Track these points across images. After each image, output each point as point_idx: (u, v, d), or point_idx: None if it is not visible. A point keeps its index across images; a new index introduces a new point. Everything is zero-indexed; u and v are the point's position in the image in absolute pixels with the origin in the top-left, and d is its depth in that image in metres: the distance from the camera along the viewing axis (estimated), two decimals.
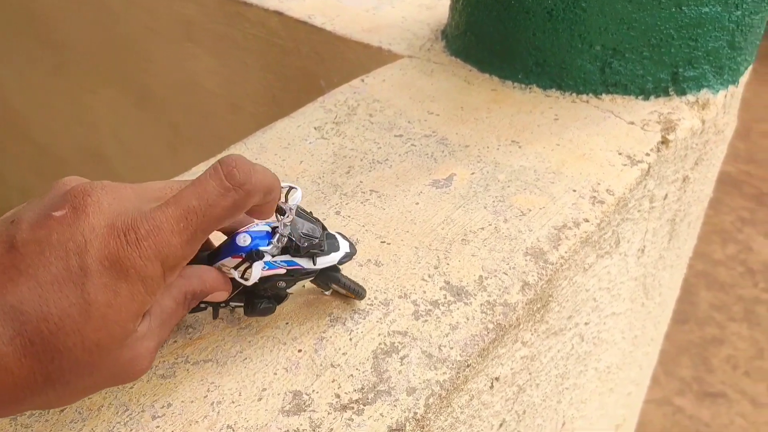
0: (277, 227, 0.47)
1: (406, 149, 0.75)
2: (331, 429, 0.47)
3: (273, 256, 0.47)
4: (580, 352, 0.80)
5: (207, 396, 0.49)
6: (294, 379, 0.50)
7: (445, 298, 0.57)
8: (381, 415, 0.48)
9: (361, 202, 0.67)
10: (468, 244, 0.62)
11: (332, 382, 0.50)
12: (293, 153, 0.75)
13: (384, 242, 0.62)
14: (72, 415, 0.47)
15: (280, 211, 0.47)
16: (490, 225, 0.64)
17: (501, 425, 0.65)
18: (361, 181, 0.70)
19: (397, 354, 0.52)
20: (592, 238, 0.67)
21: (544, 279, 0.60)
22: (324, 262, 0.50)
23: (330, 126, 0.79)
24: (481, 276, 0.59)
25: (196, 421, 0.47)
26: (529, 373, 0.67)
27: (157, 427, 0.47)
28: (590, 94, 0.84)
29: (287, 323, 0.54)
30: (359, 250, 0.60)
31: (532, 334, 0.63)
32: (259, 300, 0.49)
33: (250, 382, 0.50)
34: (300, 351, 0.52)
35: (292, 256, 0.48)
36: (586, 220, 0.66)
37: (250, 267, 0.46)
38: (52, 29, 1.56)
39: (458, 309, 0.56)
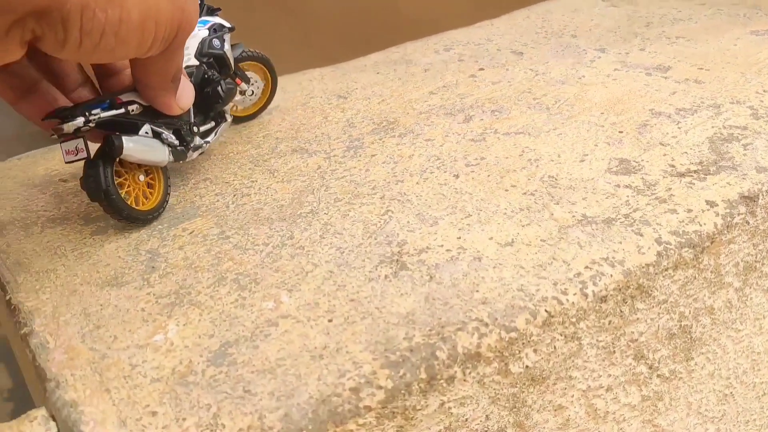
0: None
1: (711, 12, 0.68)
2: (670, 188, 0.41)
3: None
4: None
5: (522, 155, 0.45)
6: (618, 150, 0.45)
7: None
8: (728, 183, 0.41)
9: (668, 44, 0.61)
10: None
11: (663, 155, 0.44)
12: (582, 15, 0.71)
13: (702, 69, 0.55)
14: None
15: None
16: None
17: None
18: (663, 31, 0.64)
19: (737, 142, 0.45)
20: None
21: None
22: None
23: None
24: None
25: (514, 170, 0.43)
26: None
27: (471, 171, 0.44)
28: None
29: (602, 113, 0.49)
30: (673, 75, 0.54)
31: None
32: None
33: (569, 149, 0.45)
34: (621, 132, 0.47)
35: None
36: None
37: None
38: None
39: None
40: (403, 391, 0.30)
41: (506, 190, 0.42)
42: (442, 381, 0.31)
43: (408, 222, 0.39)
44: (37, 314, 0.35)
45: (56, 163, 0.51)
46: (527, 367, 0.33)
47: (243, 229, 0.40)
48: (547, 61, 0.59)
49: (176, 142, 0.41)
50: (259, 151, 0.49)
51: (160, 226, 0.42)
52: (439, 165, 0.45)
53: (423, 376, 0.30)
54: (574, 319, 0.34)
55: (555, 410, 0.36)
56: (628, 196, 0.40)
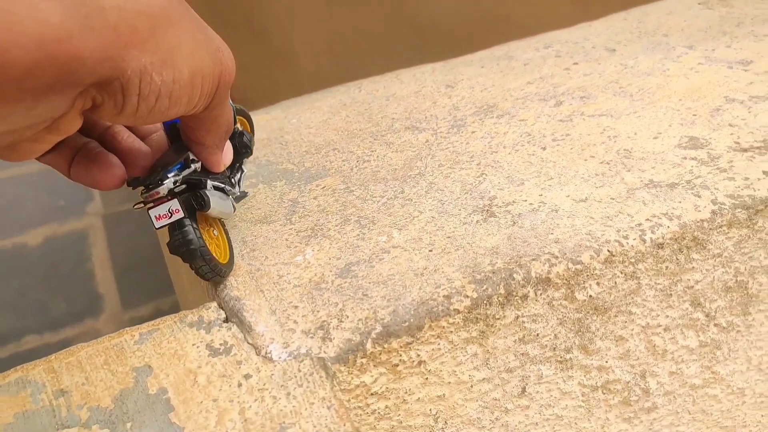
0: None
1: None
2: (731, 161, 0.47)
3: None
4: None
5: (603, 132, 0.52)
6: (689, 130, 0.51)
7: None
8: None
9: (754, 41, 0.66)
10: None
11: (730, 134, 0.50)
12: (676, 17, 0.76)
13: None
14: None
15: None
16: None
17: None
18: (752, 30, 0.69)
19: None
20: None
21: None
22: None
23: (716, 1, 0.79)
24: None
25: (594, 145, 0.51)
26: None
27: (557, 145, 0.51)
28: None
29: (680, 99, 0.56)
30: (754, 68, 0.59)
31: None
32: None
33: (645, 128, 0.52)
34: (694, 115, 0.53)
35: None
36: None
37: None
38: None
39: None
40: (485, 302, 0.38)
41: (585, 160, 0.49)
42: (517, 297, 0.39)
43: (499, 182, 0.48)
44: None
45: None
46: (590, 296, 0.41)
47: (364, 185, 0.50)
48: (636, 56, 0.66)
49: (236, 193, 0.43)
50: (378, 128, 0.59)
51: (298, 183, 0.52)
52: (530, 140, 0.53)
53: (502, 291, 0.38)
54: (633, 260, 0.41)
55: (616, 340, 0.43)
56: (692, 167, 0.47)
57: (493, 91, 0.62)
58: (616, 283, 0.41)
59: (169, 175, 0.36)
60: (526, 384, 0.41)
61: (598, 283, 0.41)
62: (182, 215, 0.36)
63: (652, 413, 0.46)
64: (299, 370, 0.35)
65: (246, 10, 1.34)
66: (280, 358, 0.35)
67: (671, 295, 0.43)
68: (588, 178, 0.47)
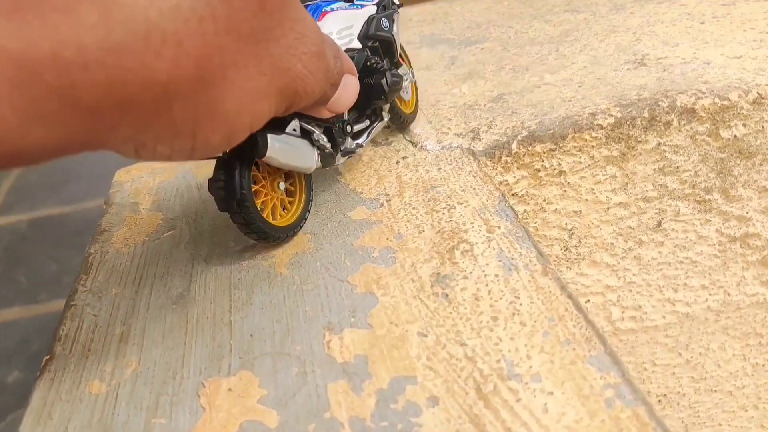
0: None
1: None
2: None
3: None
4: None
5: (767, 14, 0.52)
6: None
7: None
8: None
9: None
10: None
11: None
12: None
13: None
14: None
15: None
16: None
17: None
18: None
19: None
20: None
21: None
22: None
23: None
24: None
25: (756, 20, 0.51)
26: None
27: (716, 20, 0.52)
28: None
29: None
30: None
31: None
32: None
33: None
34: None
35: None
36: None
37: None
38: None
39: None
40: (628, 122, 0.40)
41: (744, 31, 0.49)
42: (660, 123, 0.41)
43: (653, 45, 0.49)
44: None
45: None
46: (735, 136, 0.42)
47: (520, 47, 0.53)
48: None
49: (327, 145, 0.33)
50: (539, 11, 0.62)
51: (459, 46, 0.56)
52: (688, 17, 0.54)
53: (646, 115, 0.41)
54: None
55: (759, 191, 0.44)
56: None
57: None
58: (763, 127, 0.42)
59: None
60: (663, 218, 0.43)
61: (744, 125, 0.42)
62: (221, 152, 0.29)
63: None
64: (450, 155, 0.39)
65: None
66: (434, 149, 0.40)
67: None
68: (745, 42, 0.47)
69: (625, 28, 0.53)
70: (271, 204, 0.32)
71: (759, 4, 0.54)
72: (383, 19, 0.36)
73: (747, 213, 0.44)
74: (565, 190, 0.41)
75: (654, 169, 0.42)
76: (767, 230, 0.45)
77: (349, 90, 0.30)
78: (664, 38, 0.50)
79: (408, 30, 0.63)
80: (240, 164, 0.29)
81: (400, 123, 0.41)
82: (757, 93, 0.41)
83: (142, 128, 0.21)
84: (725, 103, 0.41)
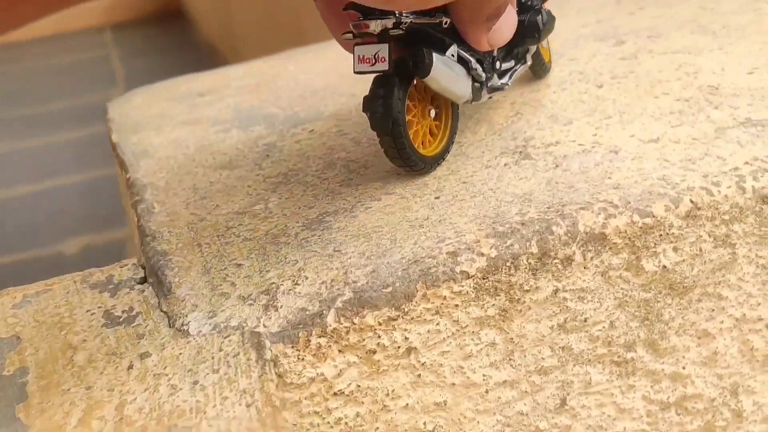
0: None
1: None
2: None
3: None
4: None
5: (679, 69, 0.40)
6: None
7: None
8: None
9: None
10: None
11: None
12: None
13: None
14: None
15: None
16: None
17: None
18: None
19: None
20: None
21: None
22: None
23: None
24: None
25: (667, 81, 0.38)
26: None
27: (618, 82, 0.39)
28: None
29: None
30: None
31: None
32: None
33: (735, 63, 0.39)
34: None
35: None
36: None
37: None
38: None
39: None
40: (508, 264, 0.26)
41: (656, 97, 0.37)
42: (556, 261, 0.26)
43: (538, 122, 0.36)
44: (150, 187, 0.35)
45: (198, 84, 0.52)
46: (664, 267, 0.28)
47: (363, 130, 0.38)
48: (719, 0, 0.53)
49: (483, 75, 0.33)
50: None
51: (281, 127, 0.41)
52: (581, 78, 0.40)
53: (534, 250, 0.26)
54: (726, 217, 0.28)
55: (699, 337, 0.30)
56: None
57: None
58: (701, 249, 0.29)
59: (396, 14, 0.28)
60: (568, 393, 0.29)
61: (675, 249, 0.28)
62: (386, 66, 0.28)
63: None
64: (220, 350, 0.23)
65: None
66: (198, 331, 0.24)
67: None
68: (660, 116, 0.34)
69: (502, 97, 0.39)
70: (420, 132, 0.31)
71: (666, 57, 0.41)
72: None
73: (683, 368, 0.30)
74: (420, 375, 0.26)
75: (551, 327, 0.27)
76: (710, 388, 0.31)
77: (509, 19, 0.30)
78: (552, 111, 0.37)
79: (221, 102, 0.47)
80: (400, 83, 0.29)
81: (541, 70, 0.40)
82: (690, 202, 0.28)
83: None
84: (648, 221, 0.27)
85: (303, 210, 0.31)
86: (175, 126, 0.44)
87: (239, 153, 0.38)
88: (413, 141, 0.30)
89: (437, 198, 0.30)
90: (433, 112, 0.32)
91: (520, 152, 0.33)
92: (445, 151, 0.33)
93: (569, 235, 0.27)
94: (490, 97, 0.35)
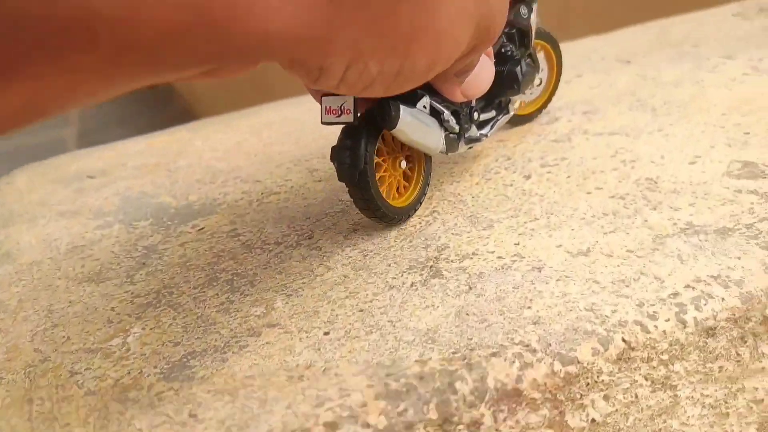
0: None
1: None
2: None
3: None
4: None
5: (615, 156, 0.36)
6: (742, 152, 0.35)
7: None
8: None
9: None
10: None
11: None
12: (707, 28, 0.61)
13: None
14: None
15: None
16: None
17: None
18: None
19: None
20: None
21: None
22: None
23: (754, 12, 0.63)
24: None
25: (602, 171, 0.34)
26: None
27: (547, 172, 0.35)
28: None
29: (723, 114, 0.39)
30: None
31: None
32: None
33: (676, 150, 0.36)
34: (747, 133, 0.37)
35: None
36: None
37: None
38: None
39: None
40: None
41: (588, 193, 0.32)
42: (461, 427, 0.22)
43: (455, 224, 0.31)
44: (0, 308, 0.30)
45: (91, 161, 0.47)
46: (593, 420, 0.24)
47: (259, 228, 0.34)
48: (659, 67, 0.50)
49: (456, 127, 0.32)
50: (304, 152, 0.43)
51: (169, 223, 0.36)
52: (508, 165, 0.36)
53: (432, 416, 0.21)
54: (665, 357, 0.24)
55: None
56: (752, 203, 0.30)
57: None
58: (637, 396, 0.24)
59: None
60: None
61: (605, 397, 0.24)
62: (351, 118, 0.28)
63: None
64: None
65: None
66: None
67: (728, 414, 0.26)
68: (592, 219, 0.30)
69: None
70: (388, 182, 0.30)
71: (603, 139, 0.38)
72: (522, 6, 0.35)
73: None
74: None
75: None
76: None
77: (485, 72, 0.29)
78: (473, 210, 0.32)
79: (110, 186, 0.41)
80: (367, 134, 0.28)
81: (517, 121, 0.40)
82: (623, 341, 0.23)
83: (369, 30, 0.20)
84: (571, 369, 0.23)
85: (167, 348, 0.25)
86: (52, 218, 0.38)
87: (113, 260, 0.32)
88: (386, 194, 0.30)
89: (326, 334, 0.25)
90: (404, 163, 0.31)
91: (431, 267, 0.28)
92: (417, 202, 0.32)
93: (476, 393, 0.22)
94: (470, 148, 0.34)
